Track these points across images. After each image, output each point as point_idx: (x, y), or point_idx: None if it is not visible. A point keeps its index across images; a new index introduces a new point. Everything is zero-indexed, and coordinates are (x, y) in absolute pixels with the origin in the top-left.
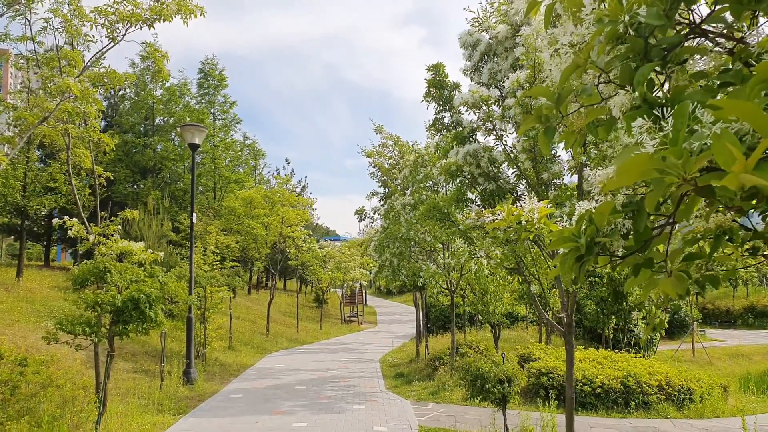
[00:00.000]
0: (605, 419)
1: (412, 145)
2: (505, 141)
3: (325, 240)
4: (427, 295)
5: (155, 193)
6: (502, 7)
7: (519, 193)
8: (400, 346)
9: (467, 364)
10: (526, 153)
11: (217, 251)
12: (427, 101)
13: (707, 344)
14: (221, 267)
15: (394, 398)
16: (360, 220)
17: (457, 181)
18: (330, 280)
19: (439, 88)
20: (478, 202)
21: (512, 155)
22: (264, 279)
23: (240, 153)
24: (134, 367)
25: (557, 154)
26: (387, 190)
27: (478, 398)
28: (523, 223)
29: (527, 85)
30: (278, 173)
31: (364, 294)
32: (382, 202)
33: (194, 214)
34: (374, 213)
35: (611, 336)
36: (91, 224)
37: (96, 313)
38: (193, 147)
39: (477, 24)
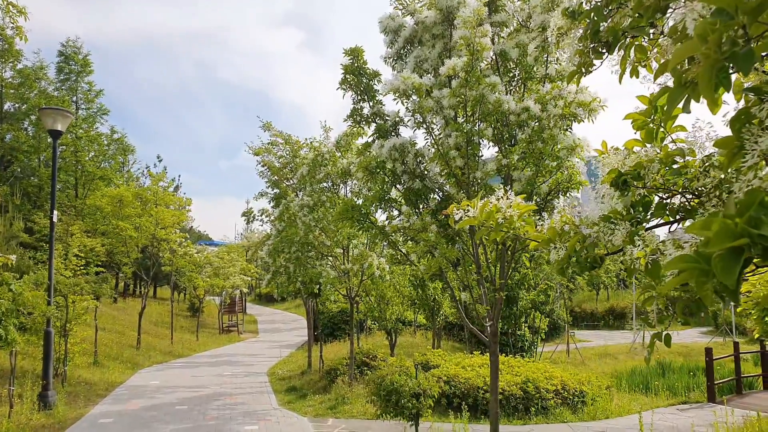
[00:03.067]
0: (509, 427)
1: (311, 143)
2: (435, 135)
3: (200, 244)
4: (319, 302)
5: (3, 188)
6: None
7: (445, 193)
8: (287, 357)
9: (380, 378)
10: (458, 149)
11: (81, 255)
12: (344, 89)
13: (579, 345)
14: (85, 273)
15: (289, 415)
16: (248, 222)
17: (378, 179)
18: (208, 287)
19: (357, 75)
20: (401, 202)
21: (441, 151)
22: (132, 286)
23: (107, 147)
24: None
25: (481, 155)
26: (277, 191)
27: (391, 414)
28: (500, 221)
29: (463, 73)
30: (149, 170)
31: (244, 302)
32: (271, 204)
33: (54, 212)
34: (261, 215)
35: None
36: None
37: None
38: (55, 134)
39: (401, 7)
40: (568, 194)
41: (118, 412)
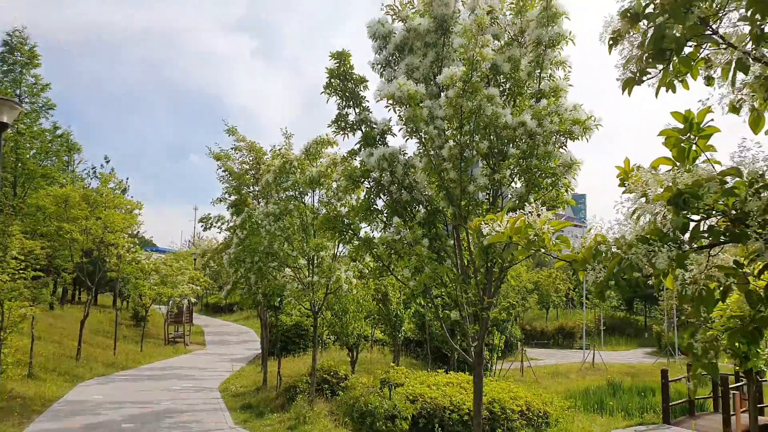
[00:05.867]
0: None
1: (279, 150)
2: (428, 147)
3: (146, 250)
4: (276, 315)
5: None
6: None
7: (433, 206)
8: (239, 372)
9: (353, 399)
10: (453, 161)
11: (21, 258)
12: (328, 94)
13: (531, 363)
14: (24, 277)
15: None
16: (206, 229)
17: (364, 189)
18: (154, 296)
19: (342, 80)
20: (386, 214)
21: (434, 163)
22: (71, 292)
23: (50, 144)
24: None
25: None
26: (236, 197)
27: None
28: (532, 238)
29: (460, 83)
30: (94, 171)
31: (191, 312)
32: (230, 210)
33: None
34: (218, 222)
35: (456, 357)
36: None
37: None
38: (1, 127)
39: (392, 12)
40: (554, 213)
41: (58, 431)
